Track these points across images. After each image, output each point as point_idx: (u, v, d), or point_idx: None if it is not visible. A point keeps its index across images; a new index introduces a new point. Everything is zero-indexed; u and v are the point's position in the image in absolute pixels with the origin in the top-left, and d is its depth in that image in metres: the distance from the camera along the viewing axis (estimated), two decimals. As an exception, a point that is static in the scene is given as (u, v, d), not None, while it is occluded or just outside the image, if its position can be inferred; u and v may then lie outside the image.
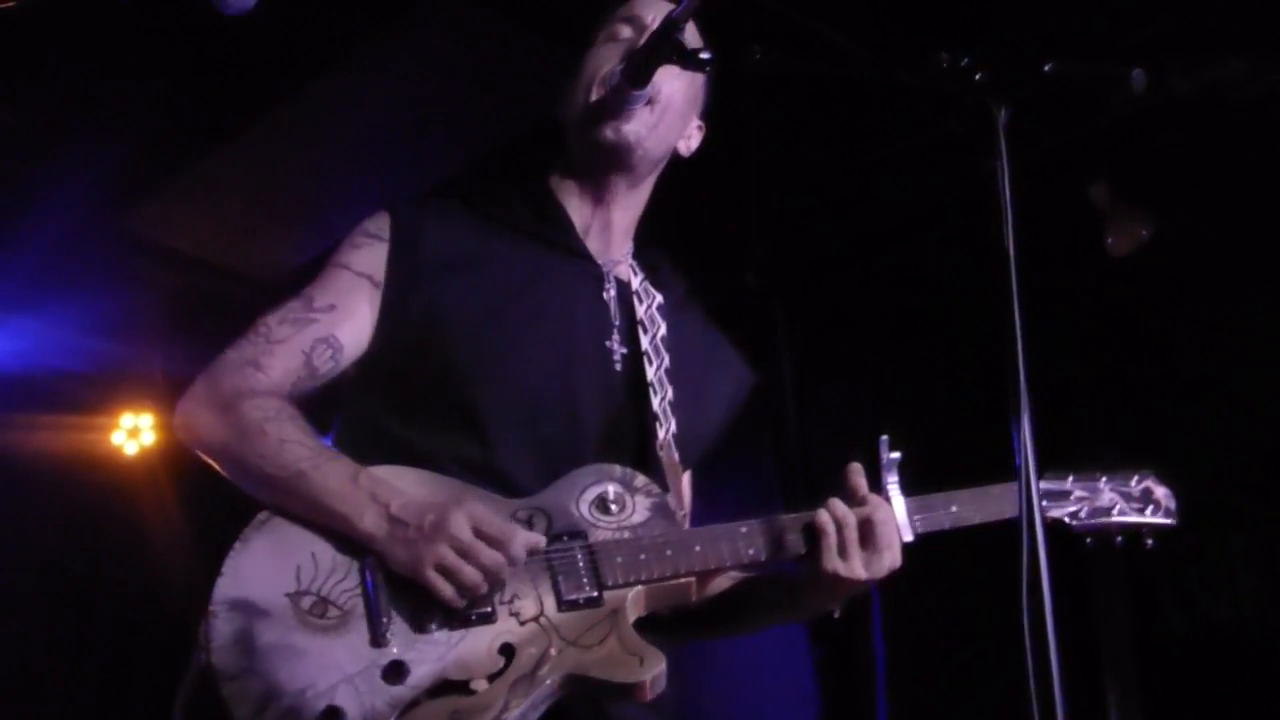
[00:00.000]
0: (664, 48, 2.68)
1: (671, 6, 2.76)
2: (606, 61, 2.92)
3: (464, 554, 2.51)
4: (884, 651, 6.23)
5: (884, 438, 2.86)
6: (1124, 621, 6.14)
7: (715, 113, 3.14)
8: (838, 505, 2.78)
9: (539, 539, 2.61)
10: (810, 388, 6.59)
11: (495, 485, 2.72)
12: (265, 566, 2.54)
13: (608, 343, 2.95)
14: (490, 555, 2.52)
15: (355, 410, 2.86)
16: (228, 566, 2.53)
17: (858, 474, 2.84)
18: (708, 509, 3.13)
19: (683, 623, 2.85)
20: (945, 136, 5.12)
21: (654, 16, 2.90)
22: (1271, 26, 4.92)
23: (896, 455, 2.85)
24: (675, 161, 3.10)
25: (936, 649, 6.13)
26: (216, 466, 2.73)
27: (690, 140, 3.10)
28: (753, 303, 6.55)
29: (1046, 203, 5.45)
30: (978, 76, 2.37)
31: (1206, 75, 4.95)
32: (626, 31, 2.98)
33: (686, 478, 3.10)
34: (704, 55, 2.73)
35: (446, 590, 2.51)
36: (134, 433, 8.17)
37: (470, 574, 2.50)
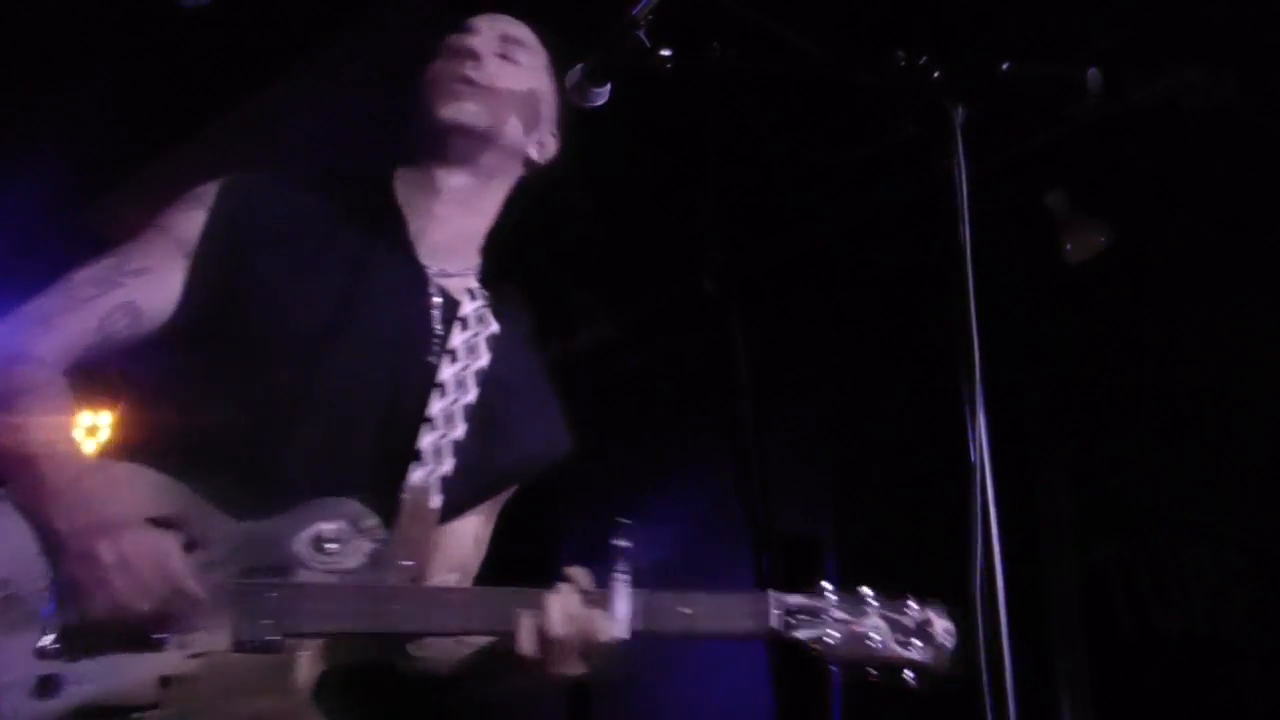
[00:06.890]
0: (623, 46, 2.66)
1: (509, 20, 2.79)
2: (450, 74, 2.90)
3: (97, 582, 2.30)
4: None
5: (620, 525, 2.57)
6: (1078, 629, 6.17)
7: (675, 117, 3.13)
8: (552, 607, 2.51)
9: (193, 590, 2.36)
10: (767, 394, 6.59)
11: (245, 491, 2.53)
12: None
13: (428, 357, 2.80)
14: (119, 591, 2.31)
15: (143, 379, 2.74)
16: None
17: (582, 576, 2.57)
18: (666, 516, 3.10)
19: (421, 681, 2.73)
20: (906, 143, 5.14)
21: (490, 28, 2.96)
22: (1227, 38, 4.96)
23: (627, 544, 2.57)
24: (619, 181, 3.07)
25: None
26: None
27: (544, 148, 3.04)
28: (710, 309, 6.54)
29: (1003, 212, 5.48)
30: (934, 75, 2.37)
31: (1163, 86, 4.99)
32: (471, 40, 2.96)
33: (472, 521, 2.91)
34: (664, 52, 2.69)
35: (71, 615, 2.31)
36: (92, 430, 8.09)
37: (95, 604, 2.31)
